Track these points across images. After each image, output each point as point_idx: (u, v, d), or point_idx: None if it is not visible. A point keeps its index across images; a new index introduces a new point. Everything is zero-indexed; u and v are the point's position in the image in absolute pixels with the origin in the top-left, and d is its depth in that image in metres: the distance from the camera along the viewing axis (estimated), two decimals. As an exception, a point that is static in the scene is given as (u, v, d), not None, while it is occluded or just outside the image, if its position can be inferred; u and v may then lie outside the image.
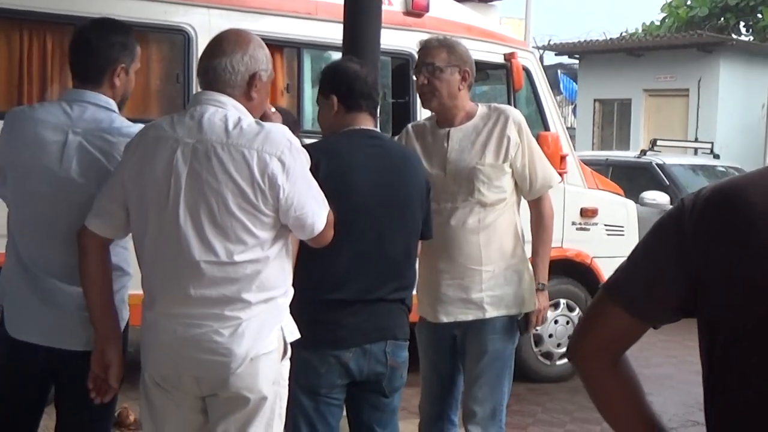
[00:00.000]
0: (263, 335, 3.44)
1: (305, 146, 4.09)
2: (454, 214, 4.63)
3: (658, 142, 15.22)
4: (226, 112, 3.43)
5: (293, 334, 3.58)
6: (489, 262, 4.66)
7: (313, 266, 3.93)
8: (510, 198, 4.73)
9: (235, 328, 3.38)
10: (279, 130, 3.45)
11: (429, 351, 4.91)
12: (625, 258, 2.14)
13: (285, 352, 3.54)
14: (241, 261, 3.37)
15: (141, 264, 3.50)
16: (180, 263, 3.37)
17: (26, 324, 3.76)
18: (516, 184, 4.75)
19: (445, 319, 4.70)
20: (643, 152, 14.63)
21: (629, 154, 15.48)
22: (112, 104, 3.83)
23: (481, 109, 4.79)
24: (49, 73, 7.20)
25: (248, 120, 3.46)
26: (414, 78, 4.96)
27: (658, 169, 13.61)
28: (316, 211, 3.49)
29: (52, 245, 3.73)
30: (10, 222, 3.89)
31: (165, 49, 7.66)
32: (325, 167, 3.95)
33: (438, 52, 4.68)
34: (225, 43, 3.52)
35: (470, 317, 4.67)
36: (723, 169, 14.42)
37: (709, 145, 16.79)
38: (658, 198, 12.20)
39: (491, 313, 4.67)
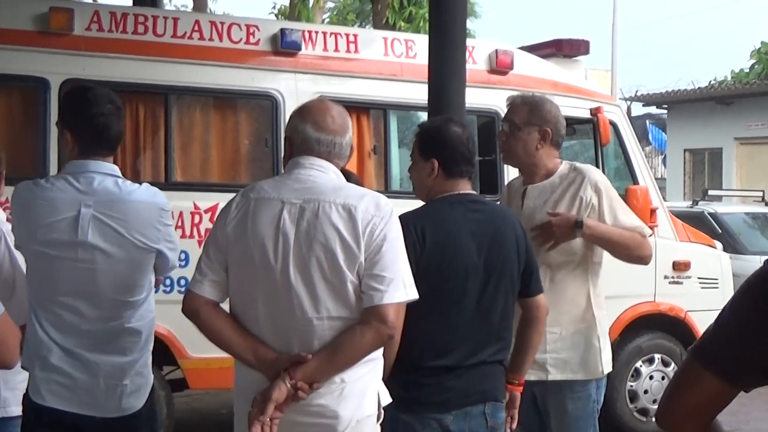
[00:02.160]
0: (365, 399, 3.45)
1: (408, 213, 4.13)
2: None
3: (709, 192, 16.12)
4: (329, 176, 3.52)
5: (386, 398, 3.58)
6: (555, 323, 4.57)
7: (417, 333, 3.90)
8: (580, 260, 4.66)
9: (341, 391, 3.38)
10: (386, 199, 3.53)
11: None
12: (713, 320, 2.12)
13: (379, 417, 3.54)
14: (348, 317, 3.39)
15: (246, 324, 3.49)
16: (291, 321, 3.40)
17: (56, 392, 3.79)
18: (588, 246, 4.66)
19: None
20: (695, 202, 15.04)
21: (682, 204, 15.59)
22: (116, 170, 3.91)
23: (563, 167, 4.72)
24: (142, 142, 7.37)
25: (349, 183, 3.59)
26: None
27: (710, 217, 13.96)
28: (396, 282, 3.41)
29: (79, 314, 3.79)
30: (32, 292, 3.91)
31: (254, 114, 7.80)
32: (431, 236, 3.97)
33: (519, 109, 4.67)
34: (340, 119, 3.61)
35: (533, 377, 4.54)
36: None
37: (760, 194, 16.66)
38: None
39: (555, 375, 4.62)
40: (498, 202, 4.85)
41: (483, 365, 4.11)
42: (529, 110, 4.64)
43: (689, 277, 8.92)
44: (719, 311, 2.11)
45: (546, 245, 4.59)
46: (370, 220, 3.38)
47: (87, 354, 3.79)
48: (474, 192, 4.29)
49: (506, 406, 4.30)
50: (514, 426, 4.43)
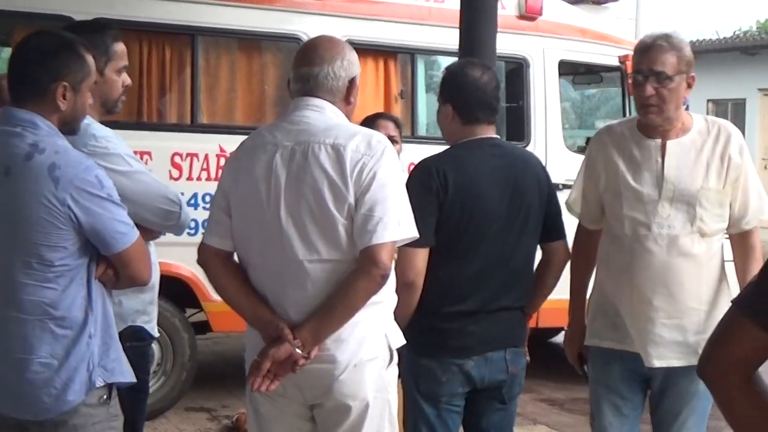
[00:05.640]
0: (366, 341, 3.40)
1: (431, 157, 4.10)
2: (675, 243, 3.97)
3: None
4: (324, 115, 3.45)
5: (399, 340, 3.54)
6: (708, 301, 4.02)
7: (438, 278, 3.89)
8: (723, 229, 4.11)
9: (338, 335, 3.34)
10: (380, 137, 3.45)
11: (615, 388, 4.19)
12: (758, 272, 2.10)
13: (391, 359, 3.51)
14: (340, 259, 3.34)
15: (248, 270, 3.49)
16: (284, 264, 3.37)
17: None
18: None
19: (657, 364, 4.02)
20: None
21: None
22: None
23: (698, 121, 4.11)
24: (168, 83, 7.36)
25: (345, 122, 3.50)
26: (630, 81, 4.44)
27: None
28: (385, 221, 3.30)
29: None
30: None
31: (280, 57, 7.76)
32: (454, 180, 3.93)
33: (667, 57, 3.94)
34: (321, 50, 3.52)
35: (683, 362, 3.99)
36: None
37: None
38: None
39: None
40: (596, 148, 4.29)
41: (504, 311, 4.11)
42: (677, 56, 3.95)
43: None
44: (764, 263, 2.09)
45: None
46: (360, 159, 3.30)
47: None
48: (496, 136, 4.22)
49: None
50: (528, 359, 4.35)
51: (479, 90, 4.10)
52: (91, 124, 3.71)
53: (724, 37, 24.68)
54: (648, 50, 3.98)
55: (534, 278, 4.29)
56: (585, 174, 4.29)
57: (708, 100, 24.78)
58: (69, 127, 3.37)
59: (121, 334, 3.81)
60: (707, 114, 22.85)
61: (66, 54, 3.31)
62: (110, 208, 3.24)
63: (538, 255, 4.29)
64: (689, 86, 4.02)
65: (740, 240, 4.16)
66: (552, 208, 4.22)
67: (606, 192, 4.14)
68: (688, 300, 3.99)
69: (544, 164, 4.44)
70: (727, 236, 4.17)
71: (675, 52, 3.94)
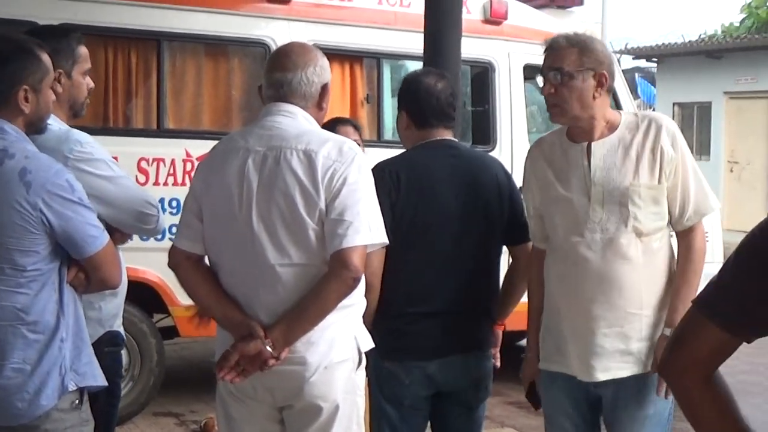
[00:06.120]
0: (336, 344, 3.43)
1: (384, 161, 4.12)
2: (611, 246, 3.77)
3: None
4: (296, 121, 3.48)
5: (367, 343, 3.57)
6: (650, 305, 3.81)
7: (397, 279, 3.92)
8: (666, 226, 3.89)
9: (308, 338, 3.36)
10: (351, 144, 3.48)
11: (564, 412, 4.00)
12: (717, 272, 2.12)
13: (360, 362, 3.54)
14: (310, 263, 3.37)
15: (219, 273, 3.50)
16: (255, 268, 3.39)
17: None
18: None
19: (602, 377, 3.81)
20: None
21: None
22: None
23: (626, 117, 3.91)
24: (134, 88, 7.34)
25: (317, 128, 3.54)
26: (540, 84, 4.21)
27: None
28: (356, 225, 3.32)
29: None
30: None
31: (246, 62, 7.77)
32: (406, 181, 3.97)
33: (567, 53, 3.79)
34: (295, 55, 3.55)
35: (627, 372, 3.81)
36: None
37: None
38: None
39: (651, 366, 3.80)
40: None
41: (466, 313, 4.13)
42: (579, 52, 3.79)
43: None
44: (722, 263, 2.11)
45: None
46: (331, 165, 3.34)
47: None
48: (453, 139, 4.27)
49: None
50: (498, 365, 4.38)
51: (432, 97, 4.16)
52: (72, 130, 3.74)
53: (690, 41, 24.76)
54: (549, 48, 3.87)
55: (504, 282, 4.32)
56: (523, 192, 4.16)
57: (674, 104, 24.87)
58: (35, 127, 3.38)
59: (100, 339, 3.83)
60: (673, 117, 23.01)
61: (21, 57, 3.32)
62: (81, 212, 3.25)
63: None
64: (600, 84, 3.80)
65: (680, 238, 3.93)
66: (515, 209, 4.23)
67: (541, 205, 3.99)
68: (627, 305, 3.78)
69: (508, 168, 4.46)
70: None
71: (576, 49, 3.79)
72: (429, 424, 4.30)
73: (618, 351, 3.79)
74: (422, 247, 3.92)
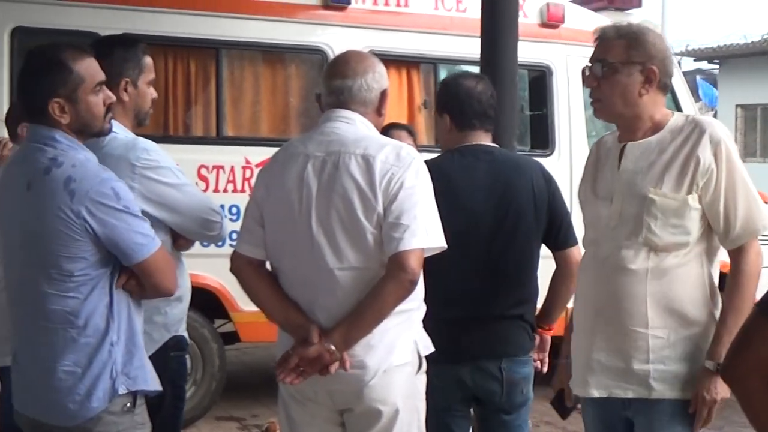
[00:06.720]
0: (396, 348, 3.44)
1: None
2: (614, 256, 3.49)
3: None
4: (355, 127, 3.52)
5: (428, 348, 3.59)
6: (660, 325, 3.43)
7: (427, 284, 3.92)
8: (696, 244, 3.46)
9: (368, 341, 3.38)
10: (409, 149, 3.51)
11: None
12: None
13: (420, 366, 3.55)
14: (368, 267, 3.39)
15: (280, 277, 3.54)
16: (315, 272, 3.42)
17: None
18: (709, 225, 3.47)
19: (596, 393, 3.54)
20: None
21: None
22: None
23: (676, 119, 3.53)
24: (193, 96, 7.43)
25: (375, 134, 3.57)
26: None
27: None
28: (413, 229, 3.33)
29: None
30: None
31: (304, 69, 7.83)
32: (437, 185, 3.96)
33: (613, 45, 3.48)
34: (353, 63, 3.59)
35: (630, 394, 3.48)
36: None
37: None
38: None
39: (660, 393, 3.44)
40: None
41: (498, 320, 4.14)
42: (626, 44, 3.46)
43: None
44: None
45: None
46: (389, 170, 3.36)
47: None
48: (489, 143, 4.26)
49: (537, 349, 4.31)
50: (545, 370, 4.37)
51: (472, 98, 4.18)
52: (139, 138, 3.80)
53: (753, 42, 24.48)
54: (597, 38, 3.59)
55: (549, 287, 4.32)
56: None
57: (737, 106, 24.59)
58: (86, 134, 3.39)
59: (166, 344, 3.89)
60: (736, 120, 22.70)
61: (50, 70, 3.31)
62: (127, 220, 3.27)
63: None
64: (648, 81, 3.47)
65: (731, 258, 3.51)
66: (554, 214, 4.22)
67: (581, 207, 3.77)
68: (629, 322, 3.45)
69: (566, 172, 4.43)
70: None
71: (624, 41, 3.48)
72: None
73: (617, 368, 3.49)
74: (453, 251, 3.94)
